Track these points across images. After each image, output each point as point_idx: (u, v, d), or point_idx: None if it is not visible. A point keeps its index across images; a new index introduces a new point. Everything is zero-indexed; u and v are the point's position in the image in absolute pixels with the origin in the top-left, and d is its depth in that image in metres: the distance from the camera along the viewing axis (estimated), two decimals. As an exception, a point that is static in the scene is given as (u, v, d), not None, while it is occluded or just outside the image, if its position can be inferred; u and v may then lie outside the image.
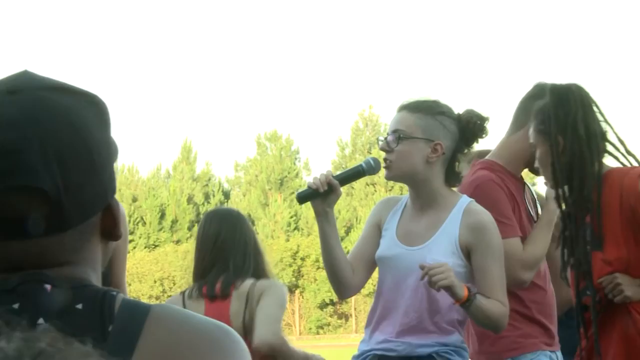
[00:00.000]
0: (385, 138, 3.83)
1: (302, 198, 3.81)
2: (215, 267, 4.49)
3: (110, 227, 1.39)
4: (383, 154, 3.84)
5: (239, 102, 78.93)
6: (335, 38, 77.82)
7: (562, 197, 3.77)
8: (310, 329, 47.04)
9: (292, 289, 47.33)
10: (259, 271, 4.49)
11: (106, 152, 1.36)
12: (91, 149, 1.33)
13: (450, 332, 3.75)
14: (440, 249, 3.73)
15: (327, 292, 41.90)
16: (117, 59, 75.89)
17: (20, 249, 1.32)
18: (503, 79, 76.60)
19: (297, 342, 42.91)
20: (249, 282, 4.42)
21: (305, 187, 3.81)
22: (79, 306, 1.31)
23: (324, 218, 3.80)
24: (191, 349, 1.30)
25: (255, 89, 77.98)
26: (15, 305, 1.30)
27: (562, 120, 3.75)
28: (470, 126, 3.82)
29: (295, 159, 57.25)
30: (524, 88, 4.30)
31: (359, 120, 56.14)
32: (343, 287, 3.88)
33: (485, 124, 3.85)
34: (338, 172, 3.89)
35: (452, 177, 3.83)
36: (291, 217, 52.48)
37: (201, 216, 4.81)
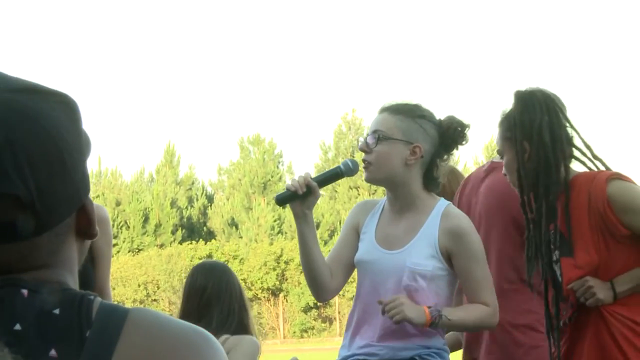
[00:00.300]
0: (365, 138, 3.84)
1: (281, 200, 3.81)
2: (201, 322, 4.56)
3: (85, 227, 1.38)
4: (362, 155, 3.84)
5: (222, 105, 78.90)
6: (318, 42, 77.92)
7: (526, 203, 3.80)
8: (294, 332, 46.99)
9: (276, 293, 47.28)
10: (241, 326, 4.64)
11: (77, 152, 1.35)
12: (62, 150, 1.32)
13: (432, 334, 3.76)
14: (420, 253, 3.74)
15: (310, 295, 41.76)
16: (100, 62, 75.78)
17: (-4, 253, 1.31)
18: (486, 84, 76.83)
19: (281, 345, 42.88)
20: (222, 338, 4.54)
21: (284, 190, 3.80)
22: (56, 311, 1.30)
23: (303, 220, 3.80)
24: (169, 354, 1.29)
25: (238, 92, 77.95)
26: (-8, 311, 1.29)
27: (528, 126, 3.77)
28: (451, 132, 3.82)
29: (279, 162, 57.23)
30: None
31: (342, 123, 56.20)
32: (321, 290, 3.88)
33: (465, 131, 3.86)
34: (317, 174, 3.89)
35: (430, 182, 3.83)
36: (275, 220, 52.45)
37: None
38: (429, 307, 3.67)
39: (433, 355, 3.74)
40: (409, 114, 3.82)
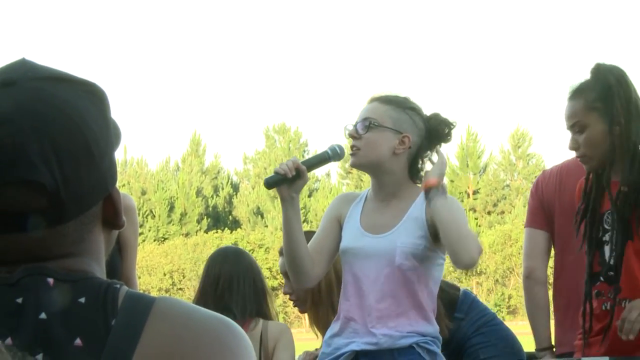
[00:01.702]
0: (355, 125, 3.84)
1: (270, 184, 3.85)
2: (222, 311, 4.58)
3: (112, 217, 1.38)
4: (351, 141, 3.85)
5: (247, 94, 78.99)
6: (343, 28, 77.81)
7: (607, 178, 3.71)
8: (319, 321, 47.06)
9: (301, 282, 47.29)
10: (262, 312, 4.62)
11: (105, 141, 1.35)
12: (89, 139, 1.32)
13: (429, 319, 3.75)
14: (410, 233, 3.73)
15: (336, 284, 41.80)
16: (125, 53, 76.00)
17: (21, 242, 1.31)
18: (513, 74, 76.51)
19: (306, 334, 42.92)
20: (260, 324, 4.56)
21: (273, 174, 3.83)
22: (82, 300, 1.30)
23: (290, 204, 3.81)
24: (194, 344, 1.29)
25: (264, 80, 78.02)
26: (19, 300, 1.29)
27: (625, 101, 3.69)
28: (438, 129, 3.84)
29: (304, 151, 57.30)
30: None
31: (368, 112, 56.11)
32: (302, 276, 3.86)
33: (451, 130, 3.87)
34: (304, 159, 3.93)
35: (415, 172, 3.84)
36: (300, 209, 52.53)
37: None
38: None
39: (430, 342, 3.73)
40: (400, 104, 3.85)
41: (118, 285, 1.33)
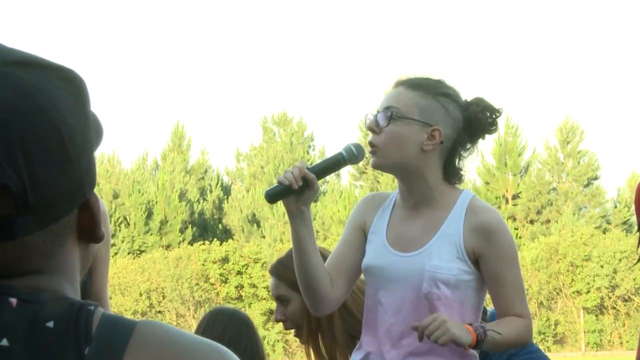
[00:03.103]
0: (375, 116, 3.81)
1: (272, 196, 3.78)
2: None
3: (89, 227, 1.39)
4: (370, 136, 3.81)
5: (241, 78, 78.96)
6: (355, 5, 77.77)
7: None
8: (327, 351, 47.13)
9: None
10: None
11: (82, 138, 1.36)
12: (64, 135, 1.33)
13: (466, 355, 3.75)
14: (442, 254, 3.73)
15: (347, 307, 41.83)
16: (96, 28, 76.05)
17: (-20, 255, 1.32)
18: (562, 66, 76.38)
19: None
20: None
21: (276, 184, 3.78)
22: (50, 324, 1.31)
23: (299, 219, 3.78)
24: None
25: (260, 63, 77.98)
26: (-25, 324, 1.30)
27: None
28: (479, 116, 3.80)
29: (309, 146, 57.32)
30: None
31: (386, 99, 56.05)
32: (320, 301, 3.85)
33: (497, 118, 3.83)
34: (314, 164, 3.87)
35: (451, 173, 3.81)
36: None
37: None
38: (472, 324, 3.66)
39: None
40: (430, 90, 3.78)
41: (92, 307, 1.34)
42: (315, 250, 3.82)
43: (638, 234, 3.91)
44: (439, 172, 3.79)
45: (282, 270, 4.53)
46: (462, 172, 3.83)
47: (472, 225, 3.75)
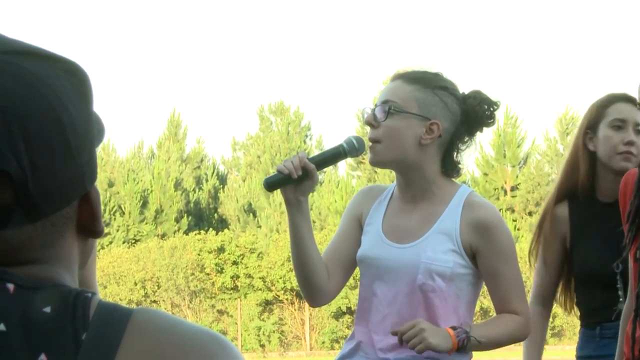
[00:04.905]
0: (373, 110, 3.83)
1: (271, 185, 3.83)
2: None
3: (88, 221, 1.40)
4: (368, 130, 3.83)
5: (238, 67, 78.89)
6: (356, -11, 77.69)
7: None
8: (323, 342, 47.04)
9: (301, 295, 47.24)
10: None
11: (84, 130, 1.37)
12: (65, 126, 1.34)
13: (462, 356, 3.77)
14: (438, 246, 3.75)
15: (343, 298, 41.88)
16: (91, 18, 75.97)
17: (-22, 243, 1.33)
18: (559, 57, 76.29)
19: (307, 358, 42.93)
20: None
21: (275, 172, 3.81)
22: (47, 309, 1.33)
23: (296, 209, 3.81)
24: None
25: (258, 52, 77.89)
26: (-27, 309, 1.31)
27: None
28: (477, 109, 3.82)
29: (306, 135, 57.27)
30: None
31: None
32: (316, 293, 3.89)
33: (494, 110, 3.86)
34: (314, 154, 3.90)
35: (449, 166, 3.83)
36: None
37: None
38: (454, 329, 3.68)
39: None
40: (428, 84, 3.81)
41: (89, 294, 1.35)
42: (312, 241, 3.85)
43: (625, 227, 3.92)
44: (437, 166, 3.81)
45: None
46: (460, 166, 3.85)
47: (469, 220, 3.77)
